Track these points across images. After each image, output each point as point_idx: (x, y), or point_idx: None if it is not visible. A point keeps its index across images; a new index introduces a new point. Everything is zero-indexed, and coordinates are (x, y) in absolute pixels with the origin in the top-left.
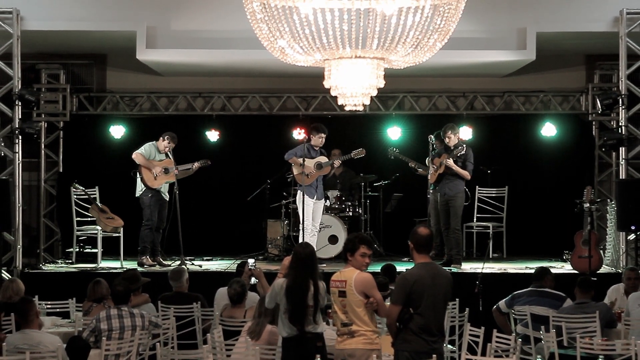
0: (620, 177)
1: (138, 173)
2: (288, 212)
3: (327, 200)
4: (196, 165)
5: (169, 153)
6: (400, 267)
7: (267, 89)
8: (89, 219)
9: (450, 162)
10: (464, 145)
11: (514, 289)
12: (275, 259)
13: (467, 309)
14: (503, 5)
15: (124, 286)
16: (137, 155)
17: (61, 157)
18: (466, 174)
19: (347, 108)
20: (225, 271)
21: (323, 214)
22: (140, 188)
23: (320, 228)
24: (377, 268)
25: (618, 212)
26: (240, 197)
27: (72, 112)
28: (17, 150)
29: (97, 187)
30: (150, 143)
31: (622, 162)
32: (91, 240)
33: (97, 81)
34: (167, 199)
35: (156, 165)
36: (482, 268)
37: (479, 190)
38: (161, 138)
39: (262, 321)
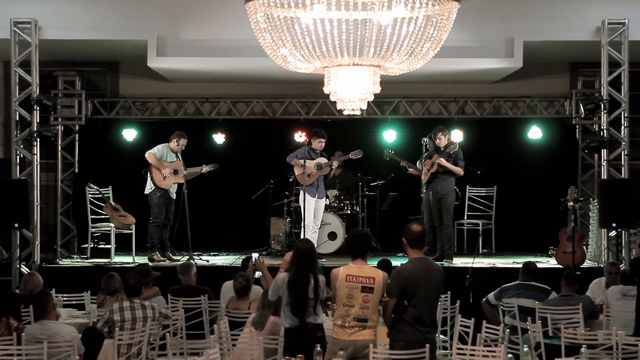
0: (602, 178)
1: (148, 172)
2: (290, 210)
3: (327, 199)
4: (205, 168)
5: (178, 154)
6: (396, 262)
7: (271, 94)
8: (103, 216)
9: (443, 161)
10: (456, 145)
11: (502, 283)
12: (278, 254)
13: (458, 301)
14: (492, 15)
15: (135, 280)
16: (149, 155)
17: (77, 158)
18: (459, 170)
19: (345, 112)
20: (231, 266)
21: (323, 212)
22: (149, 186)
23: (320, 225)
24: (374, 263)
25: (600, 211)
26: (245, 196)
27: (87, 116)
28: (35, 152)
29: (110, 187)
30: (163, 145)
31: (604, 163)
32: (105, 237)
33: (111, 87)
34: (174, 198)
35: (166, 167)
36: (472, 263)
37: (469, 189)
38: (173, 141)
39: (265, 313)
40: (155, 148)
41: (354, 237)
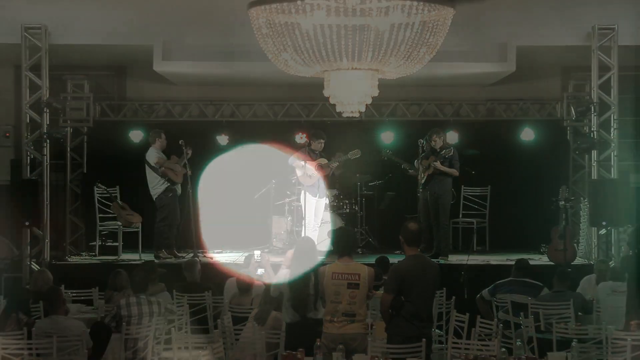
0: (593, 178)
1: (161, 175)
2: (291, 209)
3: (327, 199)
4: (189, 152)
5: (184, 150)
6: (393, 259)
7: (272, 97)
8: (111, 215)
9: (438, 164)
10: (451, 147)
11: (496, 279)
12: (279, 251)
13: (453, 297)
14: (486, 21)
15: (142, 276)
16: (158, 159)
17: (85, 159)
18: (454, 172)
19: (344, 115)
20: (234, 263)
21: (323, 210)
22: (158, 190)
23: (320, 224)
24: (372, 260)
25: (590, 209)
26: (248, 196)
27: (95, 118)
28: (45, 153)
29: (117, 187)
30: (153, 149)
31: (594, 163)
32: (112, 235)
33: (118, 90)
34: (179, 194)
35: (172, 163)
36: (467, 260)
37: (464, 189)
38: (157, 141)
39: (267, 308)
40: (155, 153)
41: (340, 235)
